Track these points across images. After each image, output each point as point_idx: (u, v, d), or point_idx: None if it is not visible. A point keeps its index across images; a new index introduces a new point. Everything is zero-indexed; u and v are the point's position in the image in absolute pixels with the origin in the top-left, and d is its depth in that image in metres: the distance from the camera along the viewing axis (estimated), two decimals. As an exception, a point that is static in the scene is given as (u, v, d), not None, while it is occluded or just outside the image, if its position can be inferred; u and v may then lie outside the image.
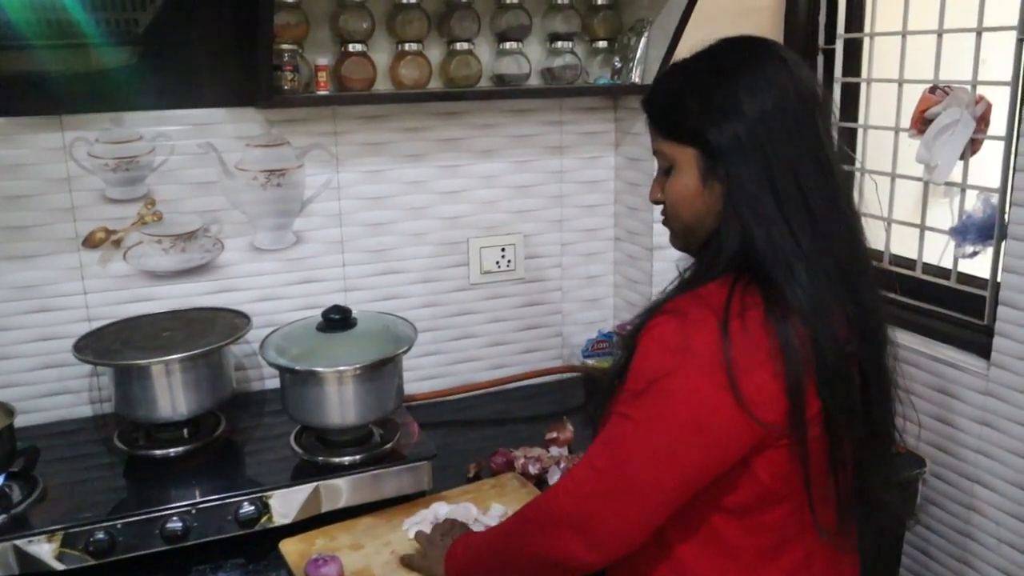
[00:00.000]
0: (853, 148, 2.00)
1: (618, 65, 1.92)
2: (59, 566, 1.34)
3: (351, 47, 1.75)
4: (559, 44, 1.90)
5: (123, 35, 1.57)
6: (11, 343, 1.72)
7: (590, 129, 2.06)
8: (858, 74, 1.98)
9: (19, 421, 1.47)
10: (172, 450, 1.59)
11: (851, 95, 2.01)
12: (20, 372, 1.73)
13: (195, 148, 1.75)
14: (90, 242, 1.73)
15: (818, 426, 1.06)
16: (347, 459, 1.52)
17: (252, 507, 1.42)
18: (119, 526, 1.37)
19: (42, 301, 1.72)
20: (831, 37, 2.00)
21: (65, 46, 1.56)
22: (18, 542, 1.32)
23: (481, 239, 2.01)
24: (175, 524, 1.38)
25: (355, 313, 1.58)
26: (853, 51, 1.98)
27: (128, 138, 1.71)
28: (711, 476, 1.05)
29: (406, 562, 1.37)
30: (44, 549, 1.33)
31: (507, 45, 1.87)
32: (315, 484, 1.46)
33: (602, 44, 1.95)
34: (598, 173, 2.09)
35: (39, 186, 1.68)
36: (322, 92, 1.72)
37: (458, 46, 1.82)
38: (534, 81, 1.93)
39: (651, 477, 1.03)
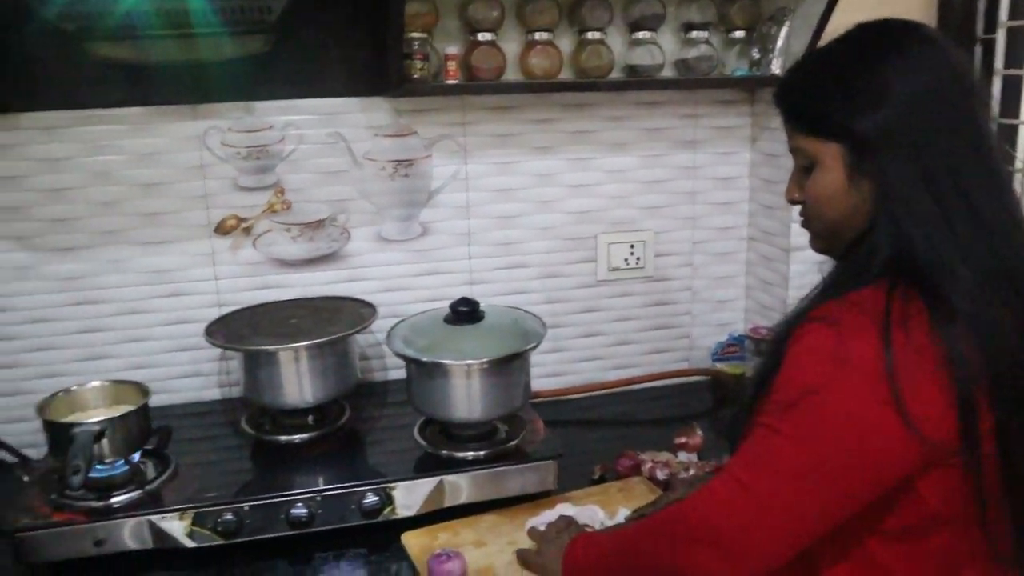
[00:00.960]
0: (1014, 147, 1.86)
1: (756, 56, 1.83)
2: (189, 543, 1.35)
3: (480, 36, 1.72)
4: (694, 34, 1.83)
5: (256, 24, 1.58)
6: (146, 325, 1.76)
7: (725, 123, 1.98)
8: (1022, 66, 1.83)
9: (153, 401, 1.49)
10: (297, 436, 1.59)
11: (1013, 89, 1.87)
12: (154, 354, 1.77)
13: (324, 137, 1.76)
14: (222, 229, 1.75)
15: (991, 442, 0.96)
16: (471, 454, 1.49)
17: (376, 498, 1.40)
18: (246, 508, 1.37)
19: (175, 286, 1.76)
20: (991, 25, 1.86)
21: (200, 36, 1.58)
22: (153, 517, 1.34)
23: (610, 235, 1.95)
24: (300, 510, 1.38)
25: (483, 306, 1.55)
26: (1017, 40, 1.84)
27: (259, 127, 1.72)
28: (870, 498, 0.96)
29: (522, 557, 1.32)
30: (176, 526, 1.35)
31: (640, 35, 1.81)
32: (439, 478, 1.43)
33: (739, 34, 1.87)
34: (732, 169, 2.01)
35: (174, 174, 1.71)
36: (451, 81, 1.70)
37: (589, 35, 1.77)
38: (667, 73, 1.86)
39: (802, 496, 0.95)
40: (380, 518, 1.41)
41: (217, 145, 1.71)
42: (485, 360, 1.44)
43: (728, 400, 1.94)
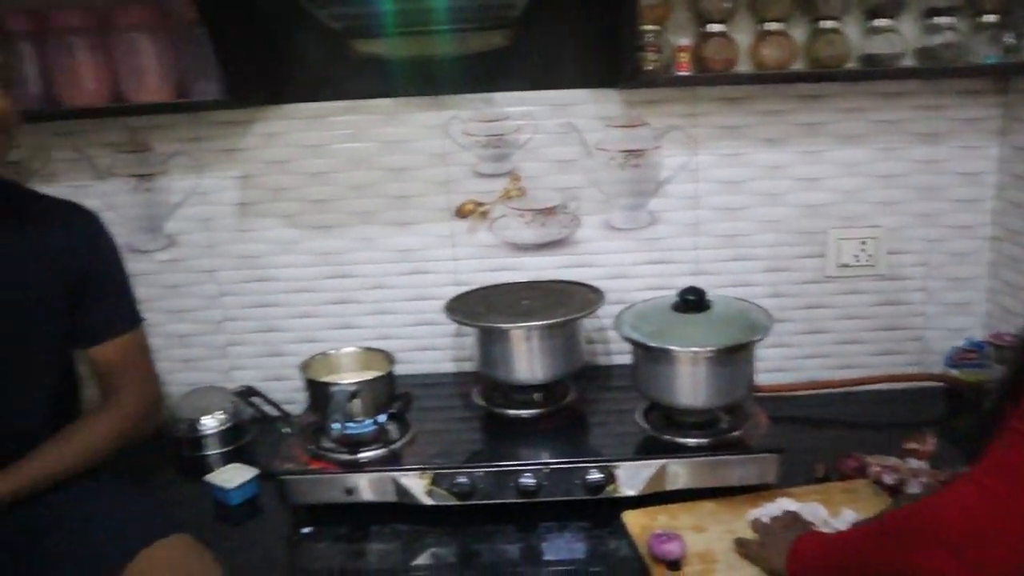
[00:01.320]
0: None
1: (1010, 41, 1.72)
2: (428, 501, 1.47)
3: (712, 27, 1.73)
4: (938, 20, 1.74)
5: (499, 20, 1.67)
6: (391, 300, 1.92)
7: (969, 115, 1.87)
8: None
9: (395, 370, 1.62)
10: (525, 411, 1.68)
11: None
12: (397, 327, 1.93)
13: (557, 127, 1.83)
14: (461, 213, 1.87)
15: None
16: (693, 441, 1.51)
17: (600, 475, 1.46)
18: (480, 474, 1.47)
19: (417, 264, 1.90)
20: None
21: (448, 31, 1.69)
22: (396, 474, 1.48)
23: (840, 230, 1.91)
24: (528, 480, 1.46)
25: (710, 296, 1.57)
26: None
27: (497, 117, 1.82)
28: None
29: (741, 546, 1.34)
30: (416, 484, 1.47)
31: (878, 22, 1.75)
32: (662, 462, 1.47)
33: (990, 18, 1.75)
34: (977, 164, 1.90)
35: (420, 160, 1.84)
36: (683, 73, 1.72)
37: (824, 24, 1.74)
38: (907, 62, 1.79)
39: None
40: (602, 495, 1.47)
41: (459, 134, 1.83)
42: (712, 349, 1.46)
43: (964, 408, 1.85)
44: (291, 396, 1.92)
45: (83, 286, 1.41)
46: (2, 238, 1.33)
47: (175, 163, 1.84)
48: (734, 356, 1.49)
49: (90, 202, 1.82)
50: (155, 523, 1.29)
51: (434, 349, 1.94)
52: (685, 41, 1.72)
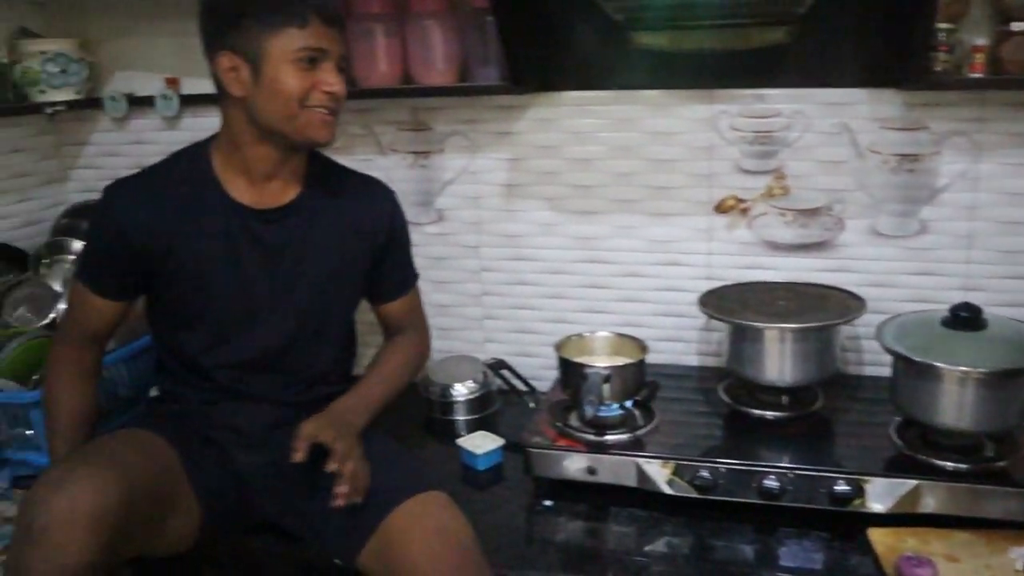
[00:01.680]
0: None
1: None
2: (668, 490, 1.50)
3: (1015, 26, 1.60)
4: None
5: (785, 16, 1.64)
6: (642, 288, 1.95)
7: None
8: None
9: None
10: (770, 413, 1.66)
11: None
12: (645, 315, 1.96)
13: (829, 127, 1.78)
14: (721, 208, 1.86)
15: None
16: (951, 465, 1.44)
17: (847, 487, 1.42)
18: (722, 470, 1.48)
19: (672, 256, 1.92)
20: None
21: (731, 26, 1.68)
22: (639, 460, 1.51)
23: None
24: (771, 482, 1.45)
25: (986, 314, 1.48)
26: None
27: (767, 113, 1.80)
28: None
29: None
30: (658, 472, 1.50)
31: None
32: (916, 482, 1.41)
33: None
34: None
35: (684, 153, 1.85)
36: (976, 75, 1.61)
37: None
38: None
39: None
40: (847, 508, 1.43)
41: (726, 128, 1.82)
42: (985, 370, 1.38)
43: None
44: (537, 372, 2.01)
45: (383, 253, 1.57)
46: (324, 210, 1.49)
47: (451, 143, 1.96)
48: (1010, 381, 1.40)
49: (373, 175, 2.02)
50: (417, 478, 1.41)
51: (680, 341, 1.96)
52: (981, 41, 1.61)
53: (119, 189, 1.41)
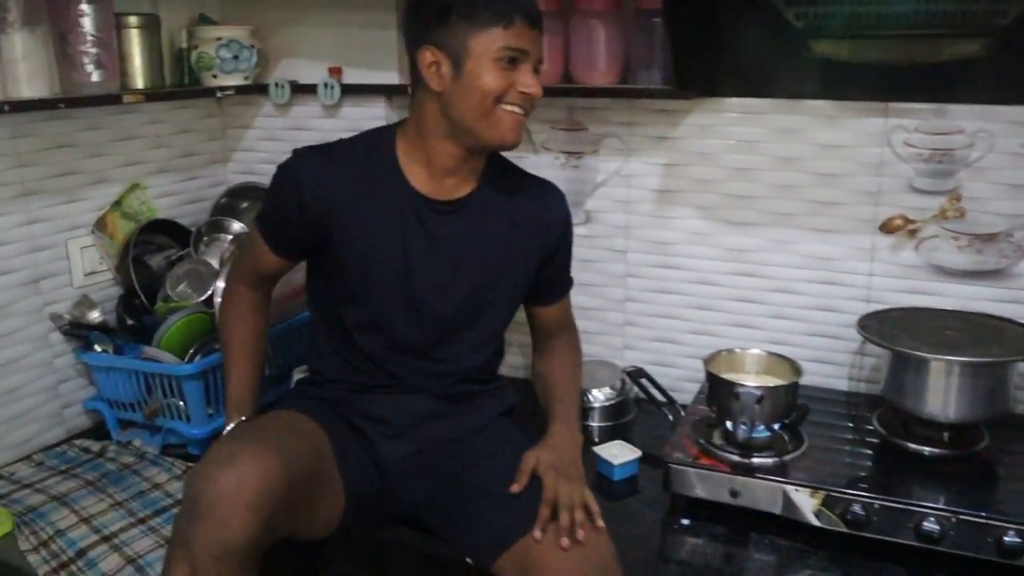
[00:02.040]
0: None
1: None
2: (815, 522, 1.42)
3: None
4: None
5: (983, 27, 1.52)
6: (794, 306, 1.87)
7: None
8: None
9: (795, 379, 1.58)
10: (928, 448, 1.55)
11: None
12: (796, 334, 1.87)
13: (1016, 148, 1.65)
14: (887, 227, 1.76)
15: None
16: None
17: (1019, 540, 1.32)
18: (876, 506, 1.39)
19: (829, 274, 1.82)
20: None
21: (917, 37, 1.58)
22: (787, 487, 1.44)
23: None
24: (931, 525, 1.35)
25: None
26: None
27: (947, 130, 1.68)
28: None
29: None
30: (806, 501, 1.43)
31: None
32: (1100, 541, 1.29)
33: None
34: None
35: (851, 167, 1.76)
36: None
37: None
38: None
39: None
40: (1019, 562, 1.32)
41: (900, 144, 1.72)
42: None
43: None
44: (675, 384, 1.95)
45: (550, 257, 1.57)
46: (496, 206, 1.49)
47: (606, 144, 1.93)
48: None
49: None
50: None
51: (831, 363, 1.86)
52: None
53: (306, 155, 1.45)
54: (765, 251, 1.86)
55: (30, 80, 1.64)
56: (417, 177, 1.44)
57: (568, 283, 1.65)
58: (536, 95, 1.37)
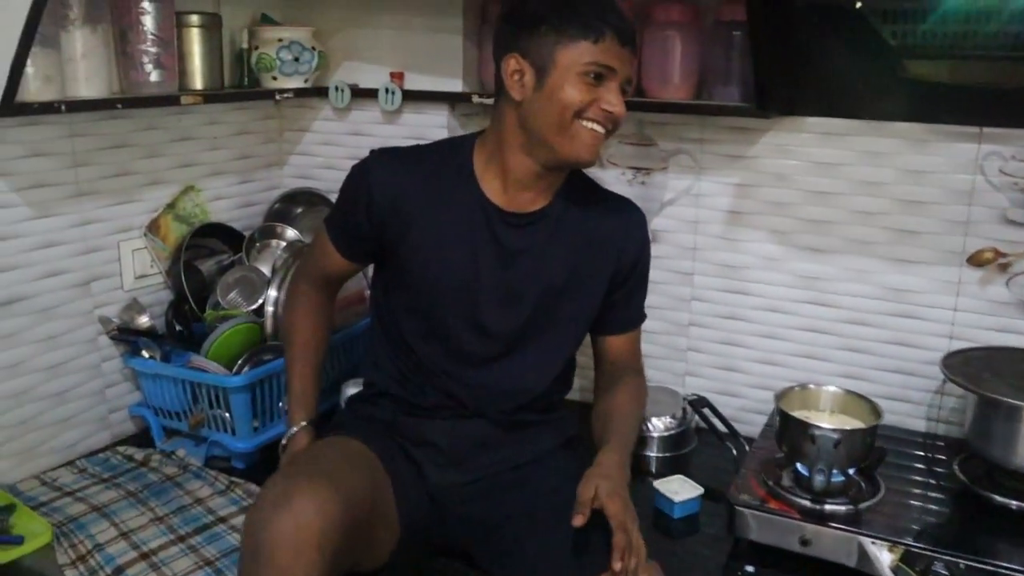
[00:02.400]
0: None
1: None
2: (889, 577, 1.33)
3: None
4: None
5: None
6: (869, 339, 1.76)
7: None
8: None
9: (870, 419, 1.48)
10: (1016, 503, 1.44)
11: None
12: (868, 368, 1.77)
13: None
14: (975, 260, 1.65)
15: None
16: None
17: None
18: (961, 566, 1.29)
19: (909, 307, 1.72)
20: None
21: (1021, 58, 1.47)
22: (863, 538, 1.34)
23: None
24: (1021, 590, 1.25)
25: None
26: None
27: (1049, 159, 1.57)
28: None
29: None
30: (883, 556, 1.33)
31: None
32: None
33: None
34: None
35: (939, 195, 1.65)
36: None
37: None
38: None
39: None
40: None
41: (994, 172, 1.61)
42: None
43: None
44: (738, 414, 1.86)
45: (623, 281, 1.49)
46: (570, 221, 1.43)
47: (675, 161, 1.84)
48: None
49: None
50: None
51: (908, 401, 1.75)
52: None
53: (380, 156, 1.43)
54: (841, 280, 1.76)
55: (89, 79, 1.60)
56: (492, 188, 1.39)
57: (639, 315, 1.57)
58: (619, 115, 1.31)
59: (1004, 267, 1.64)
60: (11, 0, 1.36)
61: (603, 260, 1.46)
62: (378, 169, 1.40)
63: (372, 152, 1.43)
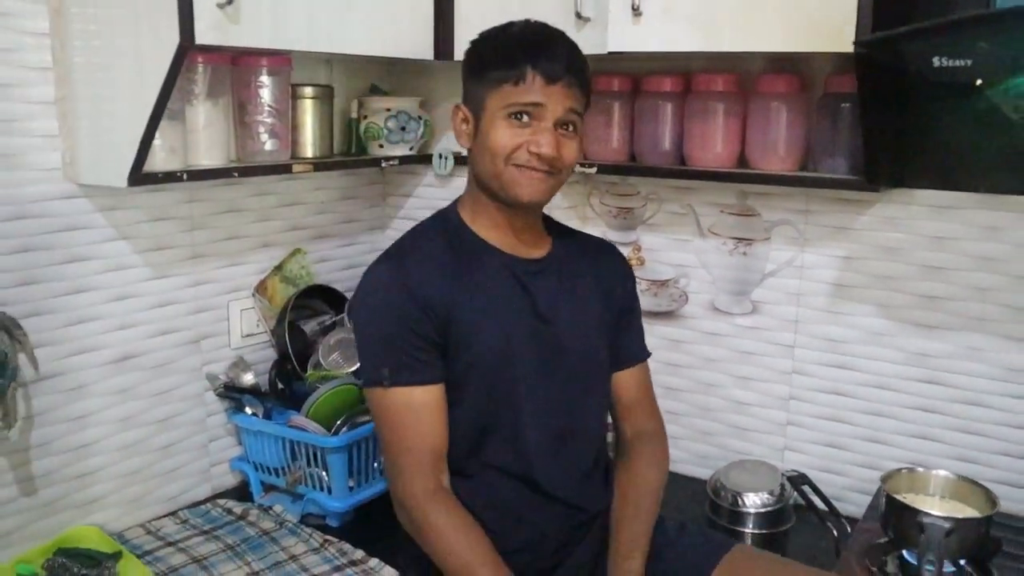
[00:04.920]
0: None
1: None
2: None
3: None
4: None
5: None
6: (985, 421, 1.67)
7: None
8: None
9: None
10: None
11: None
12: (984, 452, 1.68)
13: None
14: (1102, 341, 1.56)
15: None
16: None
17: None
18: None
19: (1027, 388, 1.64)
20: None
21: None
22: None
23: None
24: None
25: None
26: None
27: None
28: None
29: None
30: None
31: None
32: None
33: None
34: None
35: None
36: None
37: None
38: None
39: None
40: None
41: (1122, 249, 1.53)
42: None
43: None
44: (840, 492, 1.79)
45: (622, 315, 1.48)
46: (578, 267, 1.42)
47: (778, 232, 1.81)
48: None
49: (684, 256, 1.92)
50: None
51: (1019, 487, 1.66)
52: None
53: (390, 262, 1.33)
54: (954, 358, 1.69)
55: (209, 149, 1.69)
56: (497, 239, 1.36)
57: (643, 348, 1.51)
58: (546, 154, 1.26)
59: None
60: (146, 78, 1.46)
61: (607, 299, 1.44)
62: (414, 272, 1.29)
63: (380, 265, 1.33)
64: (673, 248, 1.93)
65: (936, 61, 1.19)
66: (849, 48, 1.38)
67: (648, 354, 1.52)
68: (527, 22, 1.33)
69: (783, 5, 1.49)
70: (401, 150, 2.06)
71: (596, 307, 1.43)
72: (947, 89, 1.27)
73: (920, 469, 1.51)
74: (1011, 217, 1.61)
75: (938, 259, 1.67)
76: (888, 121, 1.49)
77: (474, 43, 1.35)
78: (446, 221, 1.39)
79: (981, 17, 1.20)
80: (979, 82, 1.21)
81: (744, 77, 1.73)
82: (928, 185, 1.64)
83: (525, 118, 1.27)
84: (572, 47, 1.31)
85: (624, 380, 1.49)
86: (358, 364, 1.87)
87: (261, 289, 1.93)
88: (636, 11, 1.59)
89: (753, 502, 1.73)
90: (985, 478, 1.62)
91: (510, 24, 1.33)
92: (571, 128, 1.31)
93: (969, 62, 1.17)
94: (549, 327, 1.37)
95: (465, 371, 1.32)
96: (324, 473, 1.72)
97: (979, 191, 1.61)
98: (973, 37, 1.15)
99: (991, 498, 1.41)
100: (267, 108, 1.76)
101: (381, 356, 1.29)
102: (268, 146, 1.78)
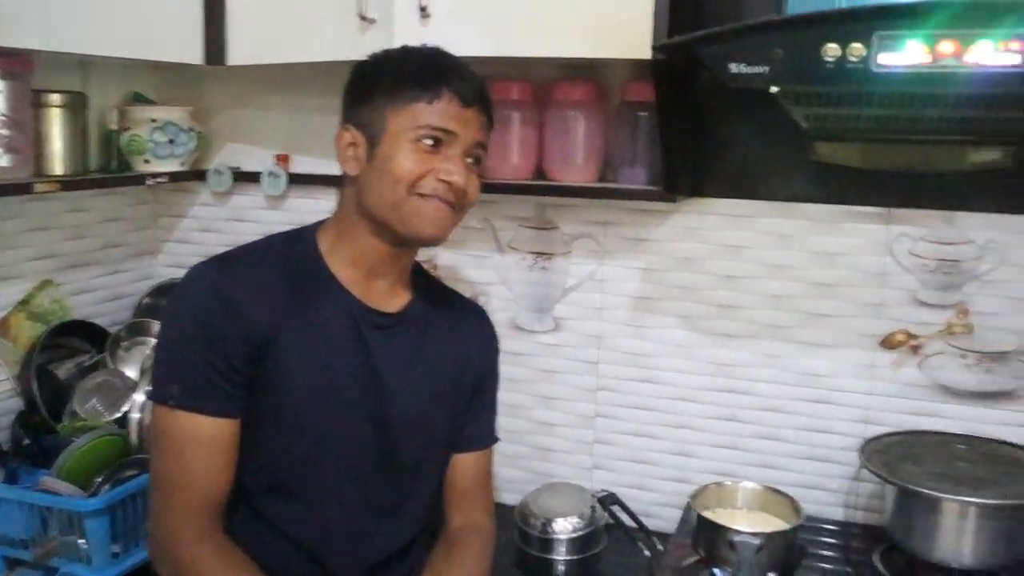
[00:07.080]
0: None
1: None
2: None
3: None
4: None
5: (1012, 135, 1.40)
6: (783, 426, 1.69)
7: None
8: None
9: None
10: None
11: None
12: (783, 456, 1.70)
13: (1028, 260, 1.52)
14: (888, 343, 1.61)
15: None
16: None
17: None
18: None
19: (822, 392, 1.66)
20: None
21: (938, 143, 1.45)
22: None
23: None
24: None
25: None
26: None
27: (956, 240, 1.55)
28: None
29: None
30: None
31: None
32: None
33: None
34: None
35: (850, 277, 1.62)
36: None
37: None
38: None
39: None
40: None
41: (904, 253, 1.58)
42: None
43: None
44: (650, 508, 1.76)
45: (476, 392, 1.36)
46: (436, 328, 1.30)
47: (578, 245, 1.76)
48: None
49: (483, 273, 1.83)
50: None
51: (824, 490, 1.68)
52: None
53: (222, 266, 1.19)
54: (752, 366, 1.69)
55: (-79, 163, 1.43)
56: (347, 278, 1.23)
57: (492, 432, 1.40)
58: (458, 185, 1.17)
59: (916, 349, 1.60)
60: None
61: (464, 369, 1.33)
62: (225, 280, 1.15)
63: (205, 267, 1.18)
64: (471, 265, 1.84)
65: (733, 67, 1.16)
66: (645, 54, 1.33)
67: (496, 439, 1.40)
68: (428, 47, 1.22)
69: (576, 9, 1.43)
70: (171, 165, 1.85)
71: (444, 377, 1.30)
72: (743, 96, 1.25)
73: (728, 482, 1.49)
74: (804, 225, 1.63)
75: (734, 268, 1.68)
76: (686, 130, 1.47)
77: (368, 63, 1.22)
78: (295, 244, 1.23)
79: (776, 23, 1.18)
80: (774, 89, 1.19)
81: (540, 85, 1.66)
82: (726, 194, 1.65)
83: (433, 144, 1.15)
84: (480, 78, 1.21)
85: (462, 464, 1.36)
86: (124, 410, 1.64)
87: (3, 329, 1.66)
88: (424, 12, 1.48)
89: (563, 527, 1.65)
90: (789, 483, 1.63)
91: (409, 47, 1.23)
92: (475, 162, 1.20)
93: (766, 69, 1.14)
94: (382, 389, 1.22)
95: (268, 415, 1.16)
96: (82, 541, 1.48)
97: (776, 199, 1.62)
98: (769, 43, 1.13)
99: (796, 507, 1.41)
100: (2, 118, 1.52)
101: (175, 370, 1.13)
102: (3, 162, 1.53)
